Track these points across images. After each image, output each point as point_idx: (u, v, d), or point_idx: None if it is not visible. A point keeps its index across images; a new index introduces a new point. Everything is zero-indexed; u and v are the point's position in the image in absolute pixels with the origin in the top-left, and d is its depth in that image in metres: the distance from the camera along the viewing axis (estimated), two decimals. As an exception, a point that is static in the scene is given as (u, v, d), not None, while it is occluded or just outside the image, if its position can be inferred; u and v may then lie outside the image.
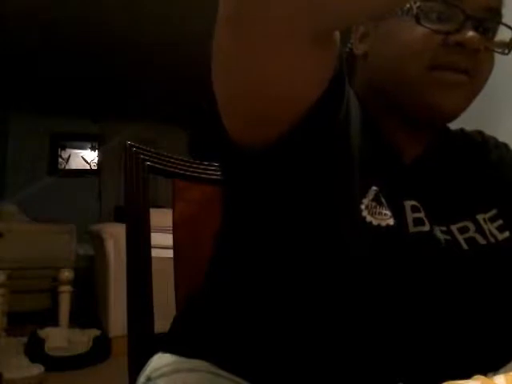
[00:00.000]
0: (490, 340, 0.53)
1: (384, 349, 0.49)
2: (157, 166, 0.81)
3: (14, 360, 2.36)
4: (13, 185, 5.75)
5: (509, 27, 0.56)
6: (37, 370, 2.28)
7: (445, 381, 0.33)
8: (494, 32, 0.55)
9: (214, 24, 0.40)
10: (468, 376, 0.45)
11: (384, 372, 0.49)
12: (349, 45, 0.65)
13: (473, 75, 0.53)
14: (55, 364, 2.44)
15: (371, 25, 0.59)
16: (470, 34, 0.51)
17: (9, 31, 3.76)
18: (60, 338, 2.63)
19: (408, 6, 0.53)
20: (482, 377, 0.46)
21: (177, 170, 0.83)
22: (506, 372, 0.37)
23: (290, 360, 0.51)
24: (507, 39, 0.56)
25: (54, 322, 3.04)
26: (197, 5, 3.44)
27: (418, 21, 0.52)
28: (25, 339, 2.62)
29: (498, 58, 0.56)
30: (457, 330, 0.51)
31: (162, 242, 1.25)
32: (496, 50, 0.55)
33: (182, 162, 0.84)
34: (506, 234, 0.59)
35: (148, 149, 0.80)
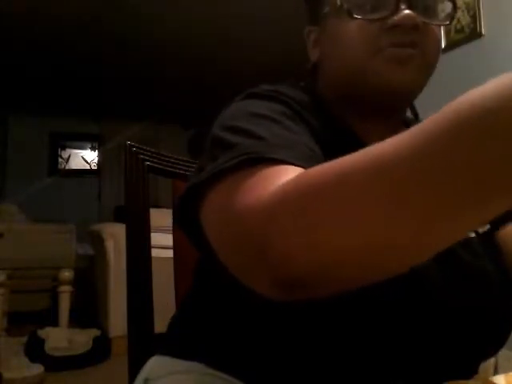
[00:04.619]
0: (477, 338, 0.53)
1: (376, 350, 0.49)
2: (157, 166, 0.81)
3: (14, 360, 2.36)
4: (13, 185, 5.75)
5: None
6: (37, 369, 2.28)
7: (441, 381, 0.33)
8: (435, 8, 0.56)
9: (214, 25, 0.38)
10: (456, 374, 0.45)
11: (380, 374, 0.49)
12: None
13: (421, 49, 0.54)
14: (55, 364, 2.44)
15: (318, 30, 0.61)
16: (404, 13, 0.52)
17: (9, 30, 3.76)
18: (60, 338, 2.63)
19: (339, 3, 0.55)
20: (481, 377, 0.46)
21: (177, 170, 0.83)
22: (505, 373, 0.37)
23: (285, 361, 0.51)
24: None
25: (54, 322, 3.04)
26: (197, 7, 3.45)
27: (350, 15, 0.53)
28: (25, 339, 2.62)
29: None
30: (441, 330, 0.50)
31: (161, 242, 1.25)
32: (436, 23, 0.55)
33: (181, 162, 0.84)
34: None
35: (148, 149, 0.80)
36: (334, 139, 0.54)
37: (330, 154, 0.53)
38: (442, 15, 0.56)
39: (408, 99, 0.59)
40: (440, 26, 0.56)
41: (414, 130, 0.30)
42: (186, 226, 0.49)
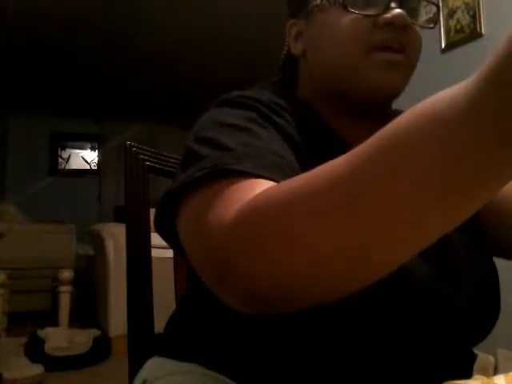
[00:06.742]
0: (464, 335, 0.54)
1: (368, 352, 0.49)
2: (157, 166, 0.81)
3: (14, 360, 2.36)
4: (13, 185, 5.75)
5: (432, 3, 0.61)
6: (37, 369, 2.28)
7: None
8: (418, 12, 0.58)
9: (213, 26, 0.38)
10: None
11: (374, 375, 0.49)
12: (285, 48, 0.66)
13: (407, 53, 0.55)
14: (55, 364, 2.44)
15: (304, 23, 0.61)
16: (396, 11, 0.53)
17: (9, 30, 3.76)
18: (60, 338, 2.63)
19: None
20: (481, 377, 0.46)
21: (177, 170, 0.83)
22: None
23: (281, 363, 0.51)
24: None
25: (54, 322, 3.04)
26: (196, 8, 3.45)
27: (345, 8, 0.54)
28: (25, 339, 2.62)
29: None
30: (430, 331, 0.50)
31: (162, 242, 1.24)
32: (422, 25, 0.58)
33: (181, 162, 0.84)
34: None
35: (148, 149, 0.80)
36: (313, 139, 0.54)
37: (310, 154, 0.53)
38: (423, 18, 0.59)
39: (392, 100, 0.60)
40: (425, 28, 0.58)
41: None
42: (166, 233, 0.50)
